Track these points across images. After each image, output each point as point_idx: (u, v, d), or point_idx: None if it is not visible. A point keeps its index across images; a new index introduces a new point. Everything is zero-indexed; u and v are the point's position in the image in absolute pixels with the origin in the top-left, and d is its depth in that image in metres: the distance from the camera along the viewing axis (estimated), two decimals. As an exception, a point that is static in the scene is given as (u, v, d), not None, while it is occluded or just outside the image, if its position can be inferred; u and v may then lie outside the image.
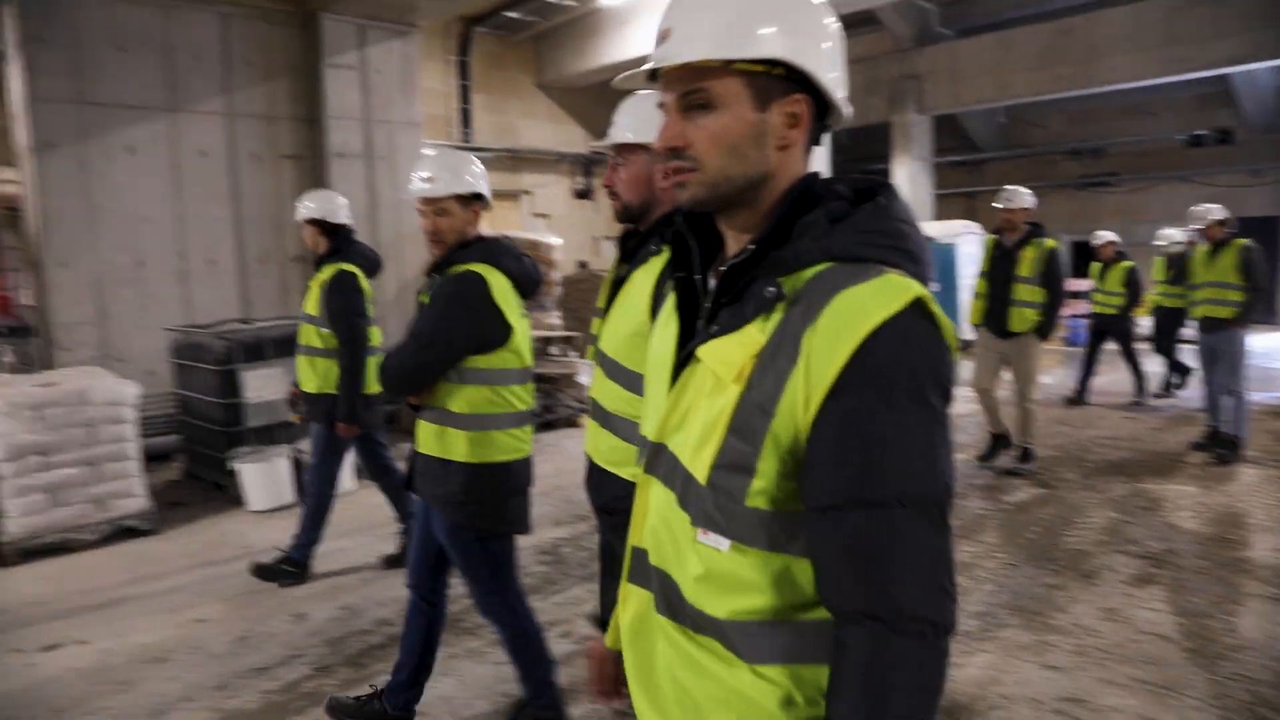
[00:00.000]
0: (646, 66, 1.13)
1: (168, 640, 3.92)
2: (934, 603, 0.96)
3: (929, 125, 15.87)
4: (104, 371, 5.72)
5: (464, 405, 2.71)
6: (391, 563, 4.72)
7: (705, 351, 1.09)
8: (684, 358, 1.14)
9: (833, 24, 1.11)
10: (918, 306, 0.98)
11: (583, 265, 13.67)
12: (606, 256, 15.50)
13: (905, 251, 1.04)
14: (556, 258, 9.29)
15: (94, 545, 5.11)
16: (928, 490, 0.96)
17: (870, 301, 0.96)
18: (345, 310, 4.17)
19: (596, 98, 14.82)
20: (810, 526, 0.99)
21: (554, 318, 9.08)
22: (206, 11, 8.05)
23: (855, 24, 15.57)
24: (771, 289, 1.02)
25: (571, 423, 8.18)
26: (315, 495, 4.48)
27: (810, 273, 1.02)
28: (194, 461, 6.58)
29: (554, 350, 8.30)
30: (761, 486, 1.01)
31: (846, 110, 1.15)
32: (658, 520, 1.17)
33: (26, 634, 4.02)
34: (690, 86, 1.08)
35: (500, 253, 2.76)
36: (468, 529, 2.76)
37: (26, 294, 7.95)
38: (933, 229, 13.89)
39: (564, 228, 14.04)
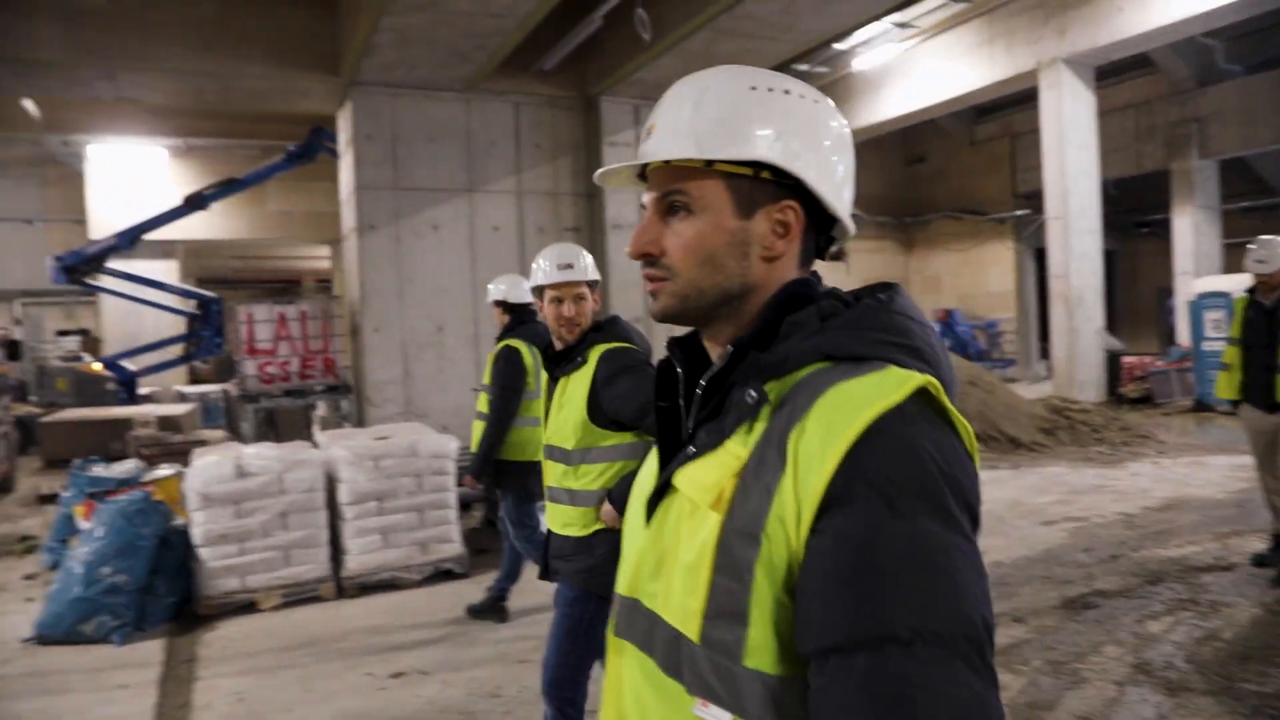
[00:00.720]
0: (627, 164, 1.04)
1: (498, 676, 4.24)
2: None
3: (1214, 170, 14.66)
4: (426, 427, 6.35)
5: (602, 483, 2.76)
6: None
7: (681, 478, 0.94)
8: (659, 490, 0.98)
9: (837, 125, 1.01)
10: (924, 398, 0.83)
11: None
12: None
13: (910, 348, 0.89)
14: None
15: (417, 584, 5.64)
16: (955, 624, 0.74)
17: (866, 394, 0.82)
18: (499, 382, 4.61)
19: (848, 160, 14.82)
20: (811, 680, 0.78)
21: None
22: (501, 101, 8.91)
23: (1125, 69, 14.74)
24: (753, 394, 0.89)
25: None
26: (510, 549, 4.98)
27: (800, 374, 0.88)
28: (492, 510, 7.12)
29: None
30: (759, 640, 0.81)
31: (849, 224, 1.03)
32: (631, 699, 0.96)
33: (373, 660, 4.49)
34: (669, 188, 0.98)
35: (631, 331, 2.85)
36: (595, 596, 2.75)
37: (344, 356, 8.95)
38: (1221, 282, 12.72)
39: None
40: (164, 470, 5.91)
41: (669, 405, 1.05)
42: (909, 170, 22.23)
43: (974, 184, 20.56)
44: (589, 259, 2.96)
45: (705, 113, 0.96)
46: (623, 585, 1.02)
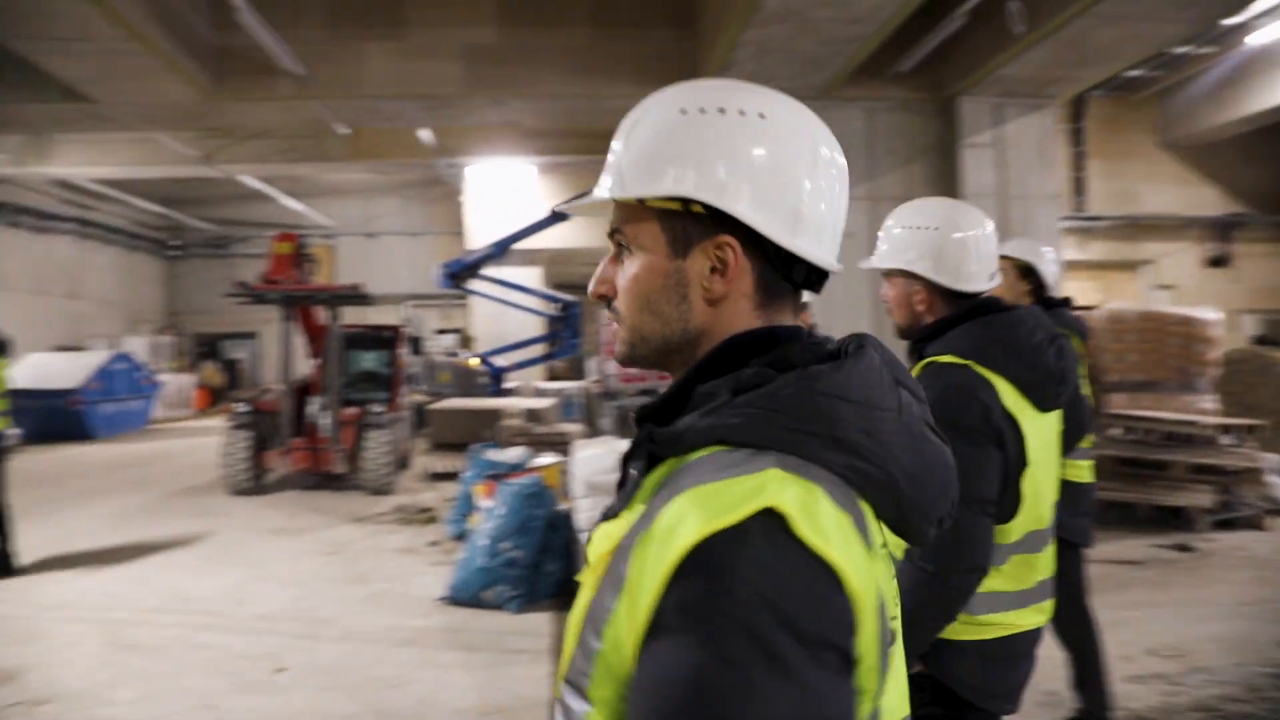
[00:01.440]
0: (581, 201, 0.97)
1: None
2: None
3: None
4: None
5: None
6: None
7: (595, 534, 0.85)
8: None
9: (797, 141, 0.86)
10: (767, 520, 0.68)
11: (1263, 340, 12.02)
12: (1246, 332, 13.56)
13: (831, 439, 0.74)
14: (1214, 334, 8.25)
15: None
16: None
17: (697, 510, 0.69)
18: None
19: (1237, 153, 13.15)
20: None
21: (1208, 401, 8.09)
22: (853, 107, 8.87)
23: None
24: (635, 470, 0.81)
25: (1255, 524, 7.21)
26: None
27: (695, 456, 0.77)
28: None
29: (1228, 439, 7.30)
30: None
31: (805, 250, 0.86)
32: None
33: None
34: (613, 226, 0.90)
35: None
36: None
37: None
38: None
39: (1192, 299, 12.58)
40: (546, 458, 6.50)
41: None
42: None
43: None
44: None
45: (632, 145, 0.88)
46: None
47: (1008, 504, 1.85)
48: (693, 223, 0.86)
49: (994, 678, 1.92)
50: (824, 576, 0.69)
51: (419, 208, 24.03)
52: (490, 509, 5.56)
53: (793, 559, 0.68)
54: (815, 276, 0.90)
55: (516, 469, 6.07)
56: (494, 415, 10.24)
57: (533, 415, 10.68)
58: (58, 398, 14.72)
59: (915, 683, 1.76)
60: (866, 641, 0.71)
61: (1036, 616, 1.98)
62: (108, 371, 15.89)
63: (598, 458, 5.55)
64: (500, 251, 12.87)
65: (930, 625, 1.79)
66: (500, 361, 13.87)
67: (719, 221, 0.85)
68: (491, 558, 5.34)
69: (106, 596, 5.80)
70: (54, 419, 14.50)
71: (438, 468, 10.03)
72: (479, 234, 16.66)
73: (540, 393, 14.11)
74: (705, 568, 0.67)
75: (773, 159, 0.85)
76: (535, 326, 14.88)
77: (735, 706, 0.63)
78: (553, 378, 17.53)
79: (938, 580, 1.74)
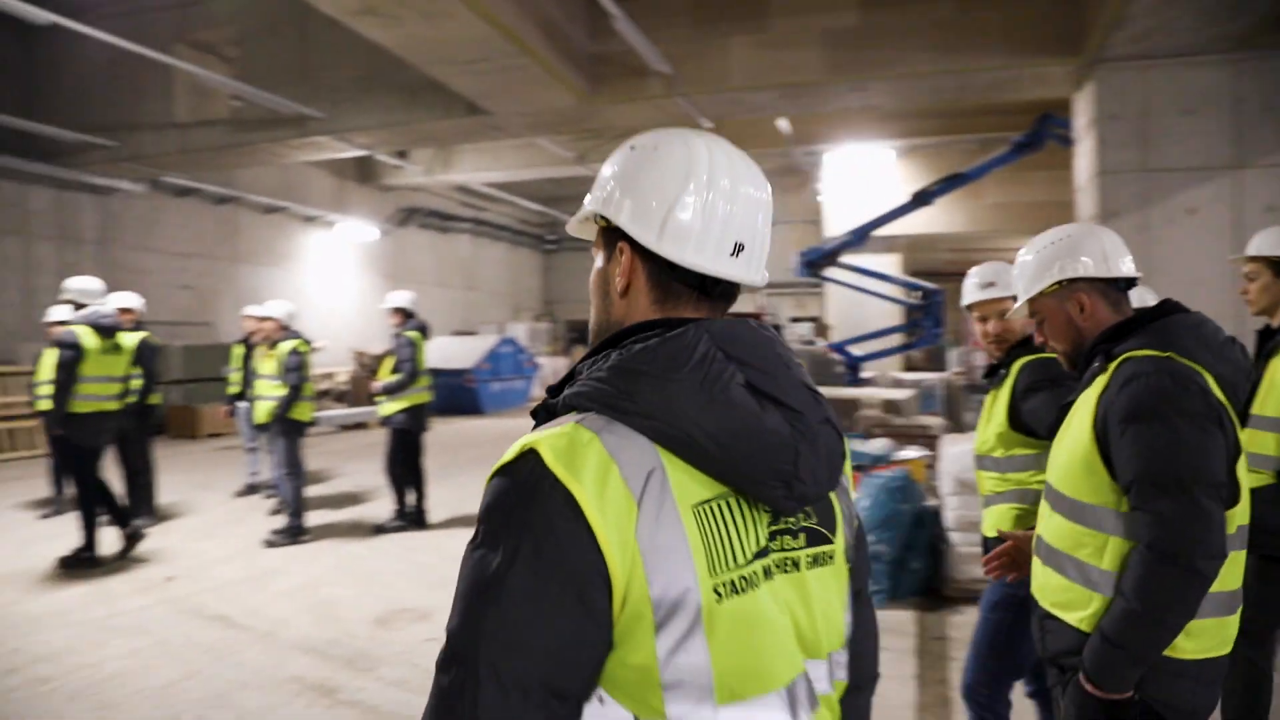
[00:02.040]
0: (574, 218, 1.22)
1: None
2: None
3: None
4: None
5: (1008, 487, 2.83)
6: None
7: None
8: None
9: (670, 172, 1.08)
10: (528, 460, 0.95)
11: None
12: None
13: (629, 403, 0.96)
14: None
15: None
16: (465, 646, 0.91)
17: (521, 444, 0.97)
18: None
19: None
20: None
21: None
22: (1277, 59, 7.56)
23: None
24: None
25: None
26: None
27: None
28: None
29: None
30: None
31: (672, 254, 1.07)
32: None
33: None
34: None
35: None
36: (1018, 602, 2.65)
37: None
38: None
39: None
40: (911, 452, 6.27)
41: None
42: None
43: None
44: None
45: (599, 173, 1.14)
46: None
47: (1230, 490, 1.80)
48: (611, 234, 1.12)
49: (1202, 701, 1.85)
50: (564, 504, 0.91)
51: (775, 197, 24.20)
52: (855, 500, 5.47)
53: (539, 487, 0.93)
54: (727, 284, 1.12)
55: (880, 461, 5.92)
56: (851, 405, 10.08)
57: (891, 406, 10.38)
58: (456, 376, 16.95)
59: (1118, 710, 1.80)
60: (623, 573, 0.91)
61: (1235, 625, 1.90)
62: (495, 354, 17.97)
63: (968, 454, 5.24)
64: (859, 239, 12.63)
65: (1173, 619, 1.73)
66: (857, 350, 13.64)
67: (621, 232, 1.10)
68: (853, 551, 5.25)
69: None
70: (452, 395, 16.66)
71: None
72: (836, 221, 16.51)
73: (898, 383, 13.69)
74: (488, 489, 0.98)
75: (650, 181, 1.08)
76: (893, 315, 14.46)
77: (487, 592, 0.91)
78: (909, 368, 16.95)
79: (1178, 566, 1.69)
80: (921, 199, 12.02)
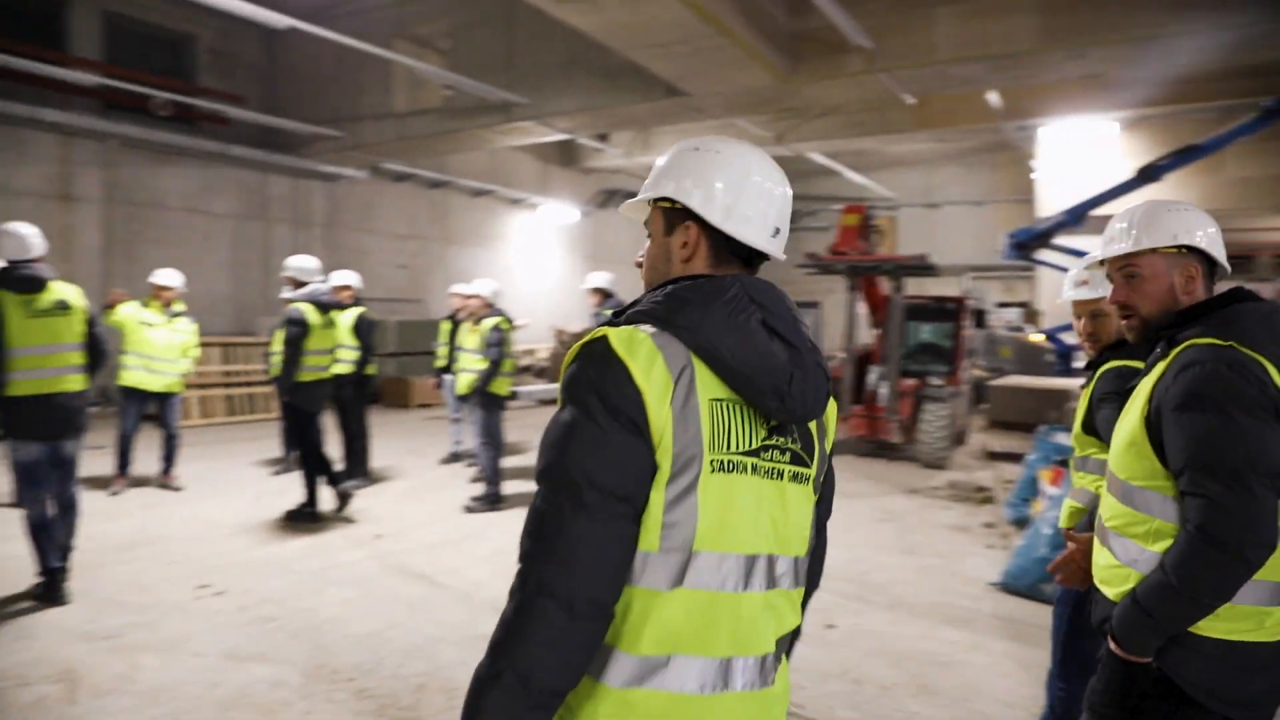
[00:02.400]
0: (629, 201, 1.59)
1: None
2: (560, 574, 1.25)
3: None
4: None
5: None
6: None
7: None
8: None
9: (738, 171, 1.45)
10: (600, 342, 1.33)
11: None
12: None
13: (676, 318, 1.35)
14: None
15: None
16: (558, 472, 1.29)
17: (593, 335, 1.35)
18: None
19: None
20: None
21: None
22: None
23: None
24: None
25: None
26: None
27: None
28: None
29: None
30: None
31: (735, 231, 1.44)
32: None
33: None
34: (644, 221, 1.58)
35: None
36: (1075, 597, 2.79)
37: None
38: None
39: None
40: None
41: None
42: None
43: None
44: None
45: (653, 169, 1.54)
46: None
47: None
48: (675, 214, 1.47)
49: (1223, 681, 1.86)
50: (622, 372, 1.28)
51: (982, 175, 23.12)
52: (1057, 496, 5.15)
53: (603, 361, 1.30)
54: (758, 254, 1.48)
55: (1087, 455, 5.52)
56: (1060, 396, 9.47)
57: (1105, 398, 9.65)
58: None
59: (1135, 672, 1.94)
60: (659, 427, 1.28)
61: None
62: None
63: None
64: (1075, 219, 11.81)
65: (1209, 600, 1.79)
66: (1069, 339, 12.80)
67: (686, 213, 1.45)
68: (1055, 549, 4.95)
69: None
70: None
71: (995, 447, 9.59)
72: (1050, 200, 15.47)
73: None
74: (566, 370, 1.35)
75: (717, 176, 1.44)
76: (1112, 300, 13.41)
77: (570, 433, 1.29)
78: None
79: (1226, 552, 1.74)
80: (1148, 175, 11.07)
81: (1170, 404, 1.85)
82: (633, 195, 15.67)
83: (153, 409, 7.60)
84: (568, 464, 1.27)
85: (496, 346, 7.22)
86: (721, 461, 1.32)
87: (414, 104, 14.01)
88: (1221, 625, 1.84)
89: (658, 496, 1.29)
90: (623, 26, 8.79)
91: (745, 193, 1.44)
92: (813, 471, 1.45)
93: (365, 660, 4.13)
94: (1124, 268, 2.08)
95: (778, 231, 1.48)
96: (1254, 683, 1.87)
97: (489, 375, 7.22)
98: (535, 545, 1.27)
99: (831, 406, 1.51)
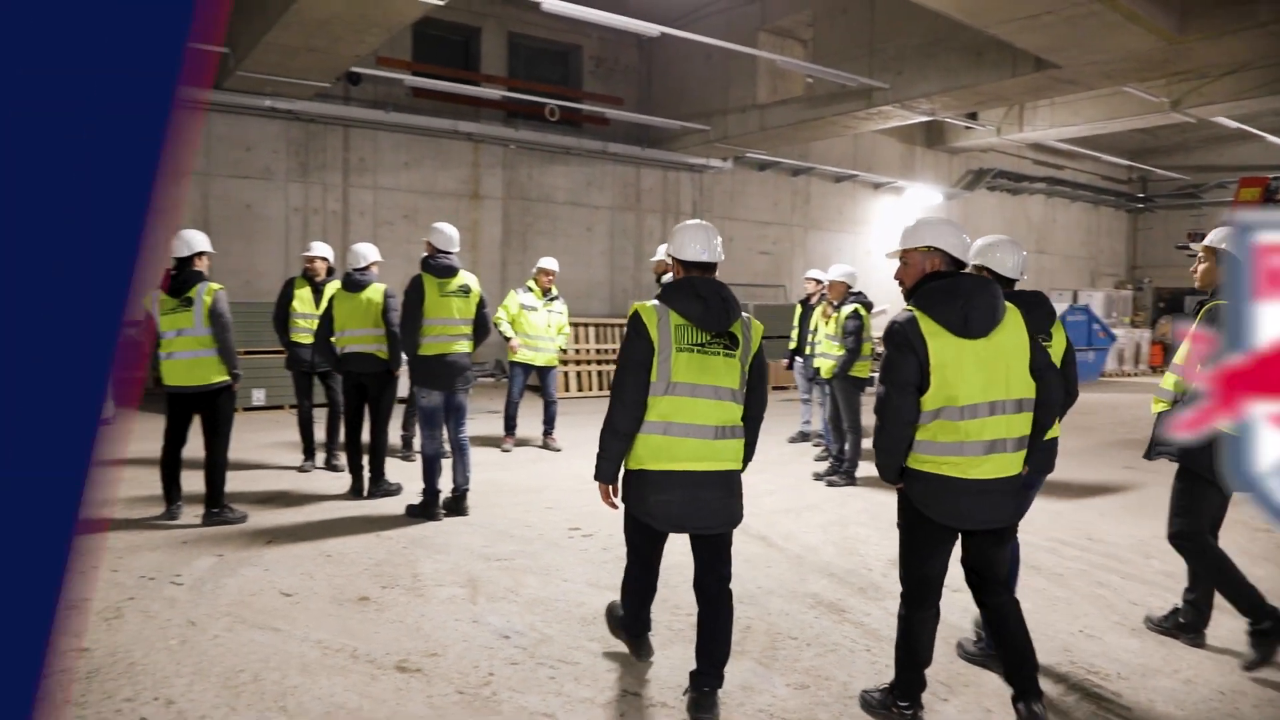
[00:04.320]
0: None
1: None
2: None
3: None
4: None
5: None
6: None
7: None
8: None
9: (689, 232, 3.49)
10: (635, 310, 3.32)
11: None
12: None
13: (662, 297, 3.35)
14: None
15: None
16: (621, 360, 3.36)
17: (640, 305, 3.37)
18: None
19: None
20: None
21: None
22: None
23: None
24: None
25: None
26: None
27: None
28: None
29: None
30: None
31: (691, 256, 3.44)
32: None
33: None
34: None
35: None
36: None
37: None
38: None
39: None
40: None
41: None
42: None
43: None
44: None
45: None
46: None
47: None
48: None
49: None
50: (641, 324, 3.28)
51: None
52: None
53: (637, 318, 3.31)
54: (705, 264, 3.51)
55: None
56: None
57: None
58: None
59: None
60: (662, 341, 3.26)
61: None
62: (1062, 322, 16.78)
63: None
64: None
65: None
66: None
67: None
68: None
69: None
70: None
71: None
72: None
73: None
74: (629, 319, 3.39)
75: (680, 237, 3.50)
76: None
77: (626, 349, 3.34)
78: None
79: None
80: None
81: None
82: (1005, 175, 15.32)
83: (535, 380, 8.86)
84: (622, 360, 3.31)
85: (854, 335, 7.50)
86: (685, 348, 3.25)
87: (776, 95, 14.54)
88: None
89: (652, 364, 3.24)
90: (985, 2, 8.58)
91: (690, 242, 3.47)
92: (737, 353, 3.32)
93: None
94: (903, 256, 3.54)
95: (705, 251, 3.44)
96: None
97: (848, 361, 7.51)
98: (613, 394, 3.33)
99: (756, 326, 3.46)
